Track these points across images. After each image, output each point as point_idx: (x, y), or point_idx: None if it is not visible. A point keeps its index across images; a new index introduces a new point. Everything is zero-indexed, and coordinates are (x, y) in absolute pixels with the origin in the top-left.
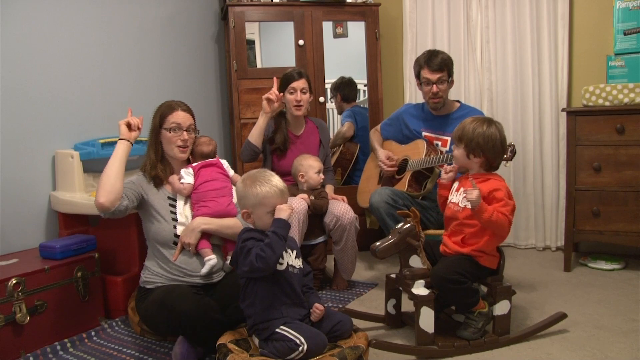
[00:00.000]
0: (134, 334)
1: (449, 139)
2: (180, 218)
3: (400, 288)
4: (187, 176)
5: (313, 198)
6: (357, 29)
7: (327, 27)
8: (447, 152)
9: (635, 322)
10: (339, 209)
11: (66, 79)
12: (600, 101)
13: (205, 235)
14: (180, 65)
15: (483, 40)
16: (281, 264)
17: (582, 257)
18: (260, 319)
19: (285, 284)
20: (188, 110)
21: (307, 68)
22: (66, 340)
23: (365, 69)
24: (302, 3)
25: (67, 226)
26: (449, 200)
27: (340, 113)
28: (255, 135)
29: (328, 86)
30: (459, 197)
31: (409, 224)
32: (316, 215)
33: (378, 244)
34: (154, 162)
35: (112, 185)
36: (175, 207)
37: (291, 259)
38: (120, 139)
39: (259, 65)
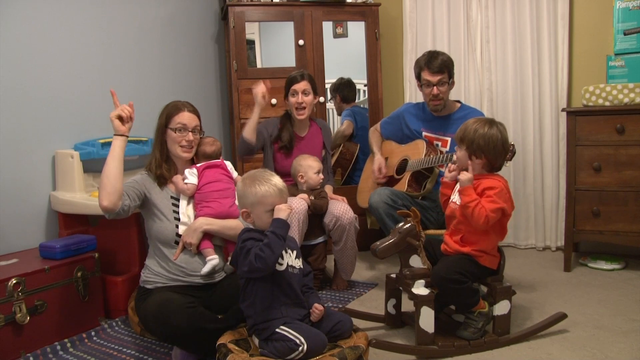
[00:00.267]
0: (134, 334)
1: (449, 139)
2: (182, 218)
3: (401, 288)
4: (190, 176)
5: (313, 198)
6: (357, 29)
7: (327, 27)
8: (447, 152)
9: (635, 322)
10: (339, 209)
11: (66, 79)
12: (600, 101)
13: (207, 235)
14: (180, 65)
15: (483, 40)
16: (281, 264)
17: (582, 257)
18: (260, 319)
19: (285, 284)
20: (194, 111)
21: (307, 68)
22: (66, 340)
23: (365, 69)
24: (302, 3)
25: (67, 226)
26: (450, 200)
27: (339, 114)
28: (248, 131)
29: (328, 86)
30: (459, 196)
31: (409, 224)
32: (316, 215)
33: (378, 243)
34: (159, 162)
35: (113, 186)
36: (178, 206)
37: (291, 259)
38: (115, 135)
39: (259, 65)
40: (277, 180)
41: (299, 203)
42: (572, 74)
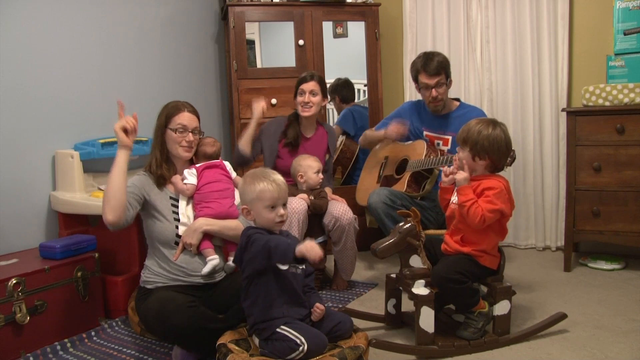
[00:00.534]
0: (134, 334)
1: (450, 137)
2: (182, 218)
3: (401, 288)
4: (190, 177)
5: (313, 198)
6: (357, 29)
7: (327, 27)
8: (448, 151)
9: (635, 322)
10: (338, 209)
11: (66, 79)
12: (600, 101)
13: (207, 236)
14: (180, 65)
15: (483, 40)
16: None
17: (582, 257)
18: (260, 319)
19: (288, 284)
20: (194, 111)
21: (307, 68)
22: (66, 340)
23: (365, 69)
24: (302, 3)
25: (67, 226)
26: (450, 201)
27: (339, 114)
28: (243, 143)
29: (328, 86)
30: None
31: (410, 224)
32: (316, 215)
33: (378, 243)
34: (160, 162)
35: (118, 199)
36: (177, 207)
37: None
38: (119, 147)
39: (259, 65)
40: (277, 177)
41: (299, 203)
42: (572, 74)
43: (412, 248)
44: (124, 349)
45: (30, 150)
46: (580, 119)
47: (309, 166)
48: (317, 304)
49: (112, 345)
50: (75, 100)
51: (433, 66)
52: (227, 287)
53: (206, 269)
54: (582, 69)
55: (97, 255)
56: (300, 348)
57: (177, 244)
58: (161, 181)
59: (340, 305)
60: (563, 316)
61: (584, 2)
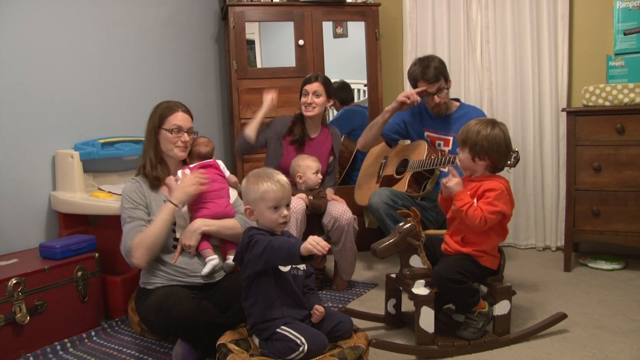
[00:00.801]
0: (134, 334)
1: (451, 138)
2: (178, 220)
3: (401, 288)
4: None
5: (312, 198)
6: (357, 29)
7: (327, 27)
8: (449, 152)
9: (635, 322)
10: (337, 210)
11: (66, 79)
12: (600, 101)
13: (205, 236)
14: (180, 65)
15: (483, 40)
16: (285, 265)
17: (582, 257)
18: (261, 319)
19: (288, 285)
20: (187, 111)
21: (307, 68)
22: (66, 340)
23: (365, 69)
24: (302, 3)
25: (67, 226)
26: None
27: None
28: (250, 129)
29: None
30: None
31: (410, 224)
32: (315, 215)
33: (378, 243)
34: (154, 163)
35: (152, 249)
36: None
37: None
38: (169, 202)
39: (259, 65)
40: (280, 177)
41: (297, 202)
42: (572, 74)
43: (412, 248)
44: (124, 349)
45: (30, 150)
46: (580, 119)
47: (307, 166)
48: (317, 306)
49: (112, 345)
50: (75, 100)
51: (431, 73)
52: (227, 287)
53: (206, 270)
54: (582, 69)
55: (97, 255)
56: (301, 348)
57: (174, 247)
58: (155, 183)
59: (340, 305)
60: (563, 316)
61: (584, 2)
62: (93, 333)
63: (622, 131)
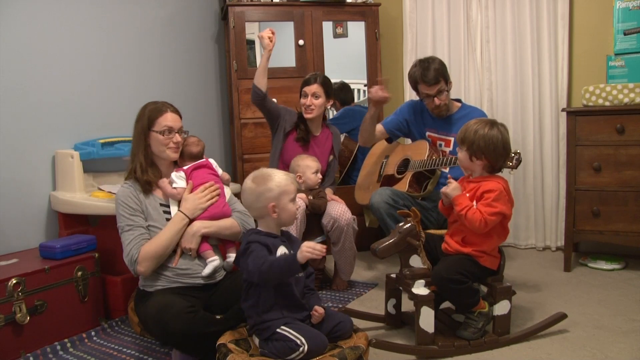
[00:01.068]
0: (134, 334)
1: (452, 139)
2: None
3: (401, 288)
4: (179, 180)
5: (312, 198)
6: (357, 29)
7: (327, 27)
8: (450, 153)
9: (635, 322)
10: (337, 210)
11: (66, 79)
12: (600, 101)
13: (204, 237)
14: (180, 65)
15: (483, 40)
16: None
17: (582, 257)
18: (261, 319)
19: (289, 287)
20: (176, 111)
21: (307, 68)
22: (66, 340)
23: (365, 69)
24: (302, 3)
25: (67, 226)
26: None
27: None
28: (257, 77)
29: None
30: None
31: (410, 224)
32: (314, 215)
33: (378, 243)
34: (145, 167)
35: (159, 258)
36: (169, 213)
37: None
38: (182, 213)
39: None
40: (283, 172)
41: (297, 202)
42: (572, 74)
43: (412, 248)
44: (124, 349)
45: (30, 150)
46: (580, 119)
47: (307, 166)
48: (316, 307)
49: (112, 345)
50: (75, 100)
51: (431, 75)
52: (227, 287)
53: (207, 270)
54: (582, 69)
55: (97, 255)
56: (301, 348)
57: (174, 251)
58: (147, 187)
59: (340, 305)
60: (563, 316)
61: (584, 2)
62: (93, 333)
63: (622, 131)
